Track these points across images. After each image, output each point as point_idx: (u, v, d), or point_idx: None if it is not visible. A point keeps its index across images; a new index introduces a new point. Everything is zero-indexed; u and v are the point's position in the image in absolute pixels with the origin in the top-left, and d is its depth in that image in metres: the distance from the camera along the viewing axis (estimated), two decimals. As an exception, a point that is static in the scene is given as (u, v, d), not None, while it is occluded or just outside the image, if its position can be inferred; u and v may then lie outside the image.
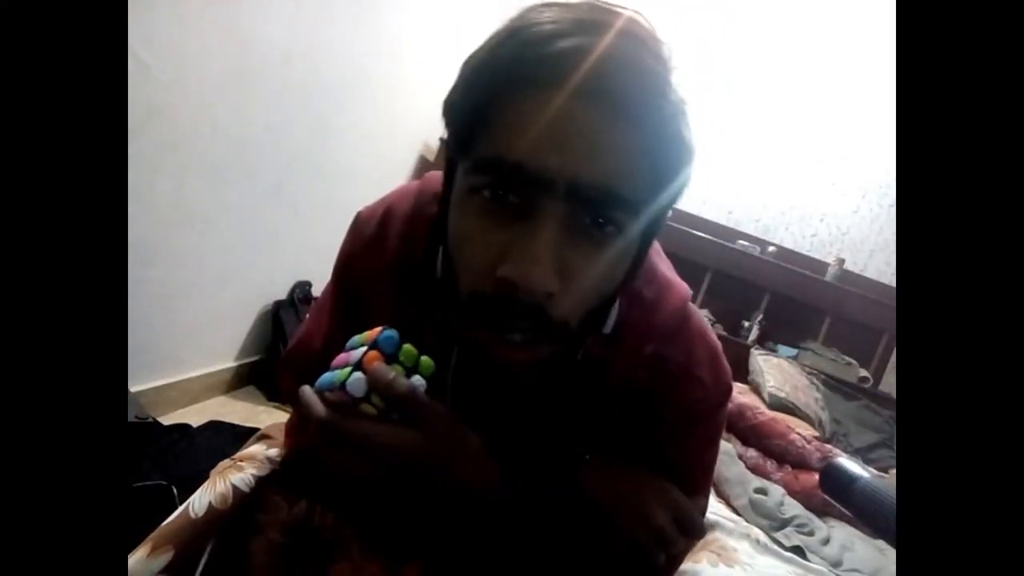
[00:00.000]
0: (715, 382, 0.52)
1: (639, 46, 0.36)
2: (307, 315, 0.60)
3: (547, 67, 0.34)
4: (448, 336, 0.48)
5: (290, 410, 0.61)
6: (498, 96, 0.36)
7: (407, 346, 0.40)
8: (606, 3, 0.38)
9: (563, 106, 0.34)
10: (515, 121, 0.35)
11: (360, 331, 0.44)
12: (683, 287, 0.52)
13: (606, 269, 0.39)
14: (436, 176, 0.53)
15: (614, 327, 0.48)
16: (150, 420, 1.28)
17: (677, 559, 0.48)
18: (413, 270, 0.49)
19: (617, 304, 0.47)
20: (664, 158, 0.37)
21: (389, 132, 2.27)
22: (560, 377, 0.49)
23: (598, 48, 0.34)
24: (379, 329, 0.40)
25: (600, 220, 0.37)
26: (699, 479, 0.56)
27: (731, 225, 2.94)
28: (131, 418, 1.22)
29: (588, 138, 0.35)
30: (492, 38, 0.38)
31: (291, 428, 0.60)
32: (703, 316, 0.56)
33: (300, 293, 1.93)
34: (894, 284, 2.78)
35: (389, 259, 0.51)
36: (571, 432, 0.52)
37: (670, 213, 0.44)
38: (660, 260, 0.52)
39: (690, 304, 0.52)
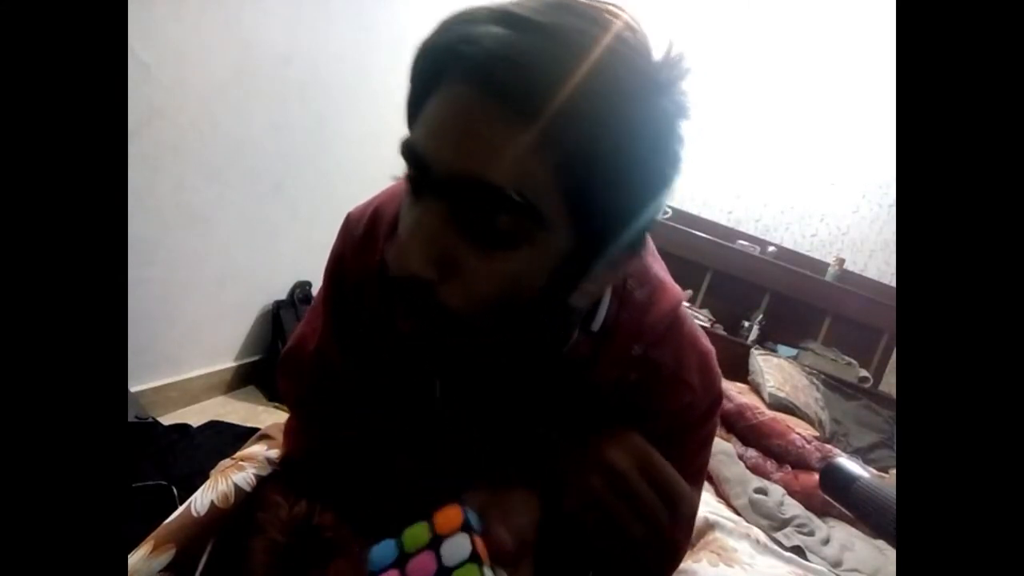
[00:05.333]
0: (705, 388, 0.51)
1: (559, 40, 0.33)
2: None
3: (461, 59, 0.34)
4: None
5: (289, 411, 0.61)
6: (425, 85, 0.37)
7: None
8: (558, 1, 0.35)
9: (461, 97, 0.34)
10: (428, 111, 0.36)
11: (352, 332, 0.43)
12: (676, 290, 0.52)
13: (511, 272, 0.36)
14: None
15: (603, 327, 0.47)
16: (150, 420, 1.28)
17: (660, 532, 0.40)
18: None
19: (607, 303, 0.47)
20: (581, 168, 0.34)
21: (389, 132, 2.26)
22: (547, 375, 0.48)
23: (514, 43, 0.32)
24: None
25: (487, 219, 0.35)
26: (694, 484, 0.55)
27: (731, 225, 2.94)
28: (131, 418, 1.22)
29: (474, 132, 0.33)
30: (434, 26, 0.37)
31: (289, 430, 0.60)
32: (695, 321, 0.54)
33: (300, 293, 1.93)
34: (894, 284, 2.78)
35: (378, 259, 0.50)
36: (558, 433, 0.51)
37: (650, 220, 0.40)
38: (654, 261, 0.52)
39: (683, 308, 0.52)
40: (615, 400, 0.49)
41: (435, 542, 0.33)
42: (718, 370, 0.53)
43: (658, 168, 0.37)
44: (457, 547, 0.32)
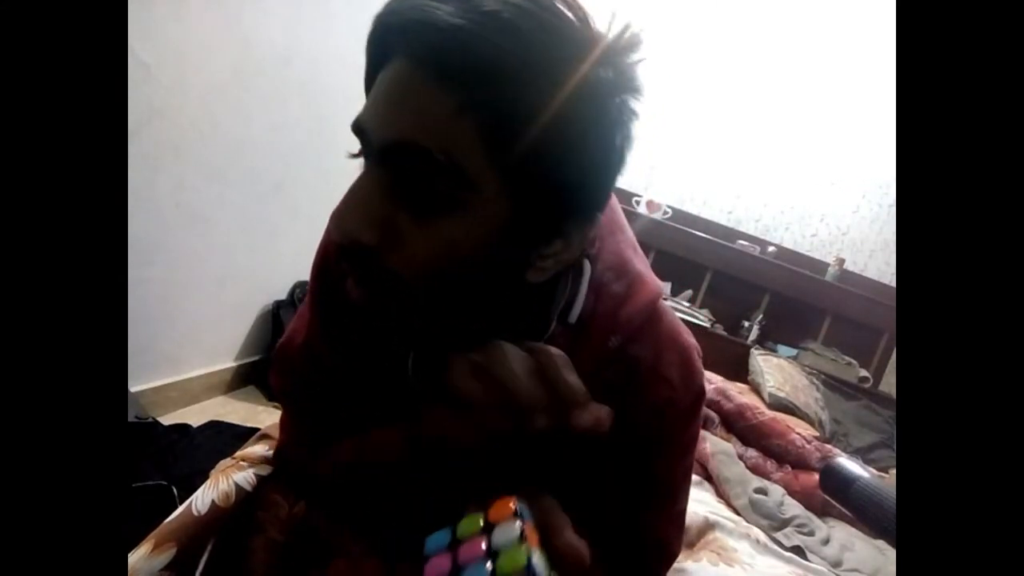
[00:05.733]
0: (685, 384, 0.50)
1: (492, 13, 0.33)
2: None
3: (394, 34, 0.36)
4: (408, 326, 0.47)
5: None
6: (374, 64, 0.39)
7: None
8: None
9: (396, 70, 0.36)
10: (374, 86, 0.38)
11: (340, 325, 0.43)
12: (656, 283, 0.51)
13: (455, 237, 0.37)
14: None
15: (579, 319, 0.47)
16: (150, 420, 1.28)
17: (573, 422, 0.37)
18: None
19: (583, 295, 0.47)
20: (505, 130, 0.34)
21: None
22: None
23: (438, 12, 0.33)
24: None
25: (421, 184, 0.36)
26: (680, 483, 0.55)
27: (731, 225, 2.94)
28: (131, 418, 1.22)
29: (401, 98, 0.35)
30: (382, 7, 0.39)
31: (284, 424, 0.60)
32: (676, 315, 0.53)
33: (300, 293, 1.93)
34: (894, 284, 2.78)
35: None
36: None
37: (597, 188, 0.40)
38: (635, 255, 0.52)
39: (662, 302, 0.51)
40: (593, 395, 0.49)
41: (487, 528, 0.34)
42: (700, 366, 0.52)
43: (598, 137, 0.37)
44: (507, 532, 0.33)
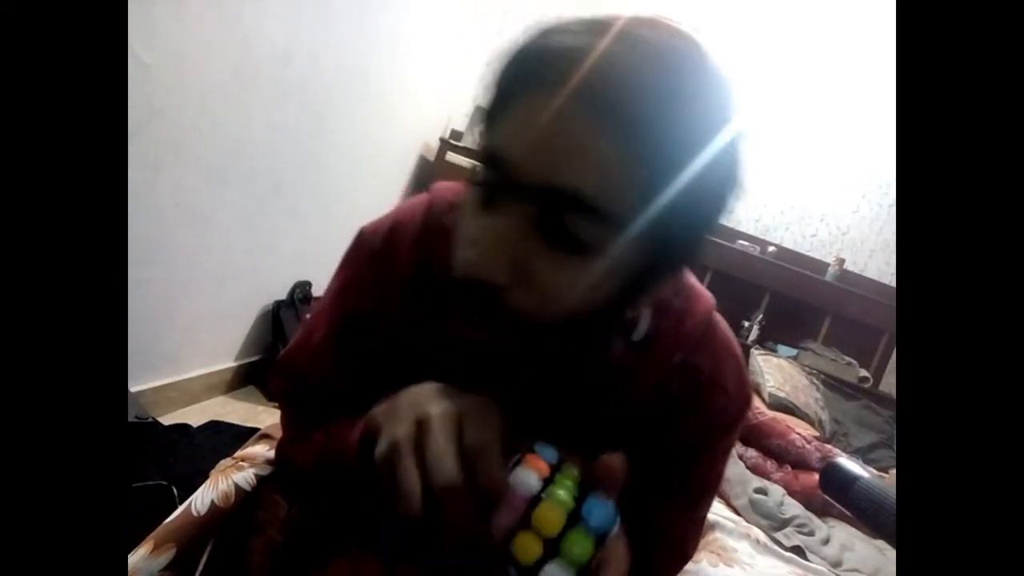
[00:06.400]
0: (738, 393, 0.52)
1: (649, 53, 0.34)
2: (306, 318, 0.59)
3: (547, 66, 0.34)
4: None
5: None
6: (506, 92, 0.37)
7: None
8: (645, 16, 0.37)
9: (550, 106, 0.34)
10: (514, 115, 0.36)
11: (360, 351, 0.43)
12: (708, 296, 0.52)
13: (580, 280, 0.37)
14: (444, 187, 0.52)
15: (644, 336, 0.48)
16: (150, 420, 1.28)
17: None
18: (431, 283, 0.48)
19: (647, 314, 0.47)
20: (664, 178, 0.35)
21: (389, 132, 2.27)
22: (587, 383, 0.48)
23: (598, 49, 0.33)
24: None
25: (568, 226, 0.35)
26: (708, 489, 0.56)
27: (731, 225, 2.94)
28: (131, 418, 1.22)
29: (562, 140, 0.34)
30: (518, 37, 0.38)
31: (283, 423, 0.60)
32: (727, 325, 0.55)
33: (300, 293, 1.93)
34: (894, 284, 2.78)
35: (401, 274, 0.50)
36: (594, 438, 0.51)
37: (708, 239, 0.41)
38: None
39: (715, 313, 0.52)
40: (653, 408, 0.49)
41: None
42: (748, 375, 0.54)
43: (728, 191, 0.39)
44: (547, 450, 0.35)
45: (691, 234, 0.39)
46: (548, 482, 0.33)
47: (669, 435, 0.51)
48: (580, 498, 0.33)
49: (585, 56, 0.33)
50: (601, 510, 0.33)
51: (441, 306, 0.46)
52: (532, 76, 0.35)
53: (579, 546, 0.31)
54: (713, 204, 0.38)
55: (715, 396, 0.50)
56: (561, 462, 0.35)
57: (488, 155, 0.37)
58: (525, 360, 0.44)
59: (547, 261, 0.36)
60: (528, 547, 0.31)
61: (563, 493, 0.33)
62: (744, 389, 0.53)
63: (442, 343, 0.45)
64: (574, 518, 0.32)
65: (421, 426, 0.35)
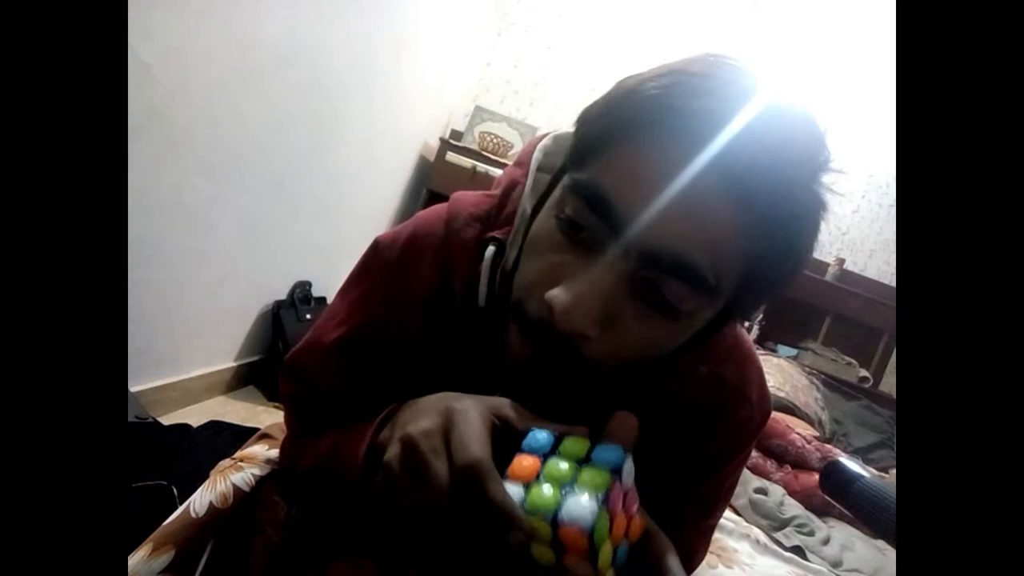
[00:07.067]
0: (760, 403, 0.52)
1: (789, 137, 0.34)
2: (314, 321, 0.57)
3: (680, 120, 0.33)
4: (491, 364, 0.45)
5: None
6: (627, 128, 0.35)
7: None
8: (758, 66, 0.36)
9: (680, 164, 0.32)
10: (628, 159, 0.34)
11: (370, 364, 0.43)
12: None
13: (657, 338, 0.37)
14: (464, 197, 0.52)
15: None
16: (150, 420, 1.28)
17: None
18: (453, 296, 0.48)
19: None
20: (769, 255, 0.34)
21: (389, 132, 2.27)
22: (614, 395, 0.48)
23: (740, 118, 0.32)
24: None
25: (664, 291, 0.34)
26: (723, 498, 0.56)
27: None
28: (131, 418, 1.22)
29: (697, 214, 0.32)
30: (654, 70, 0.36)
31: (288, 421, 0.60)
32: (748, 335, 0.55)
33: (300, 293, 1.93)
34: (894, 284, 2.78)
35: (421, 287, 0.49)
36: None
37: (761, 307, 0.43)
38: None
39: (738, 324, 0.52)
40: (678, 418, 0.49)
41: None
42: (768, 386, 0.54)
43: (795, 264, 0.38)
44: (540, 435, 0.34)
45: (767, 297, 0.40)
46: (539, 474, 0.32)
47: (693, 446, 0.51)
48: (589, 453, 0.32)
49: (724, 122, 0.32)
50: (609, 451, 0.32)
51: (465, 326, 0.46)
52: (659, 126, 0.33)
53: (590, 475, 0.30)
54: (796, 274, 0.38)
55: (740, 407, 0.50)
56: (560, 440, 0.33)
57: (590, 194, 0.35)
58: (568, 386, 0.44)
59: (635, 318, 0.35)
60: (539, 535, 0.30)
61: (552, 479, 0.31)
62: (766, 401, 0.53)
63: (467, 359, 0.45)
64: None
65: (450, 416, 0.34)
